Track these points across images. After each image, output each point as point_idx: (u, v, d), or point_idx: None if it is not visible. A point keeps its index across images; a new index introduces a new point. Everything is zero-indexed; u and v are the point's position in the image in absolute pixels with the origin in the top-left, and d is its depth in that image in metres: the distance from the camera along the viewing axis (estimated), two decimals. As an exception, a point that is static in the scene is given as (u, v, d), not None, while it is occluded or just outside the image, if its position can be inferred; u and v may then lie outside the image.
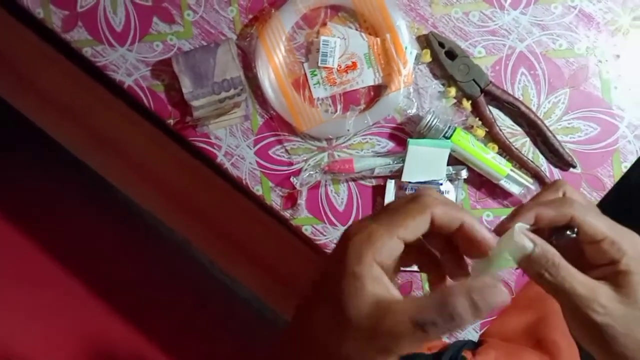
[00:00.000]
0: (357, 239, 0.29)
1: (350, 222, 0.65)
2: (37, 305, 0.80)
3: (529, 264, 0.32)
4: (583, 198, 0.36)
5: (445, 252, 0.35)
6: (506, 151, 0.62)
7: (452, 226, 0.31)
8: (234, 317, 1.21)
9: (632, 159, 0.63)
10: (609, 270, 0.33)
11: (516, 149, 0.62)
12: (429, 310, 0.27)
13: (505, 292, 0.28)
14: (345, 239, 0.30)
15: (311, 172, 0.64)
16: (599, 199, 0.64)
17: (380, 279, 0.29)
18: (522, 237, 0.32)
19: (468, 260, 0.35)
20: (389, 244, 0.29)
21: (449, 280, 0.35)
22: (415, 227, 0.30)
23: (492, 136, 0.62)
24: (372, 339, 0.28)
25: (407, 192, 0.63)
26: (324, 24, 0.63)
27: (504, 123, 0.63)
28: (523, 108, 0.62)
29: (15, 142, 1.11)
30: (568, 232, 0.34)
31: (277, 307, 1.16)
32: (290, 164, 0.65)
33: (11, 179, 1.02)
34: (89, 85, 1.11)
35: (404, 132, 0.64)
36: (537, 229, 0.35)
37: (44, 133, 1.11)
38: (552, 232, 0.35)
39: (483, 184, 0.64)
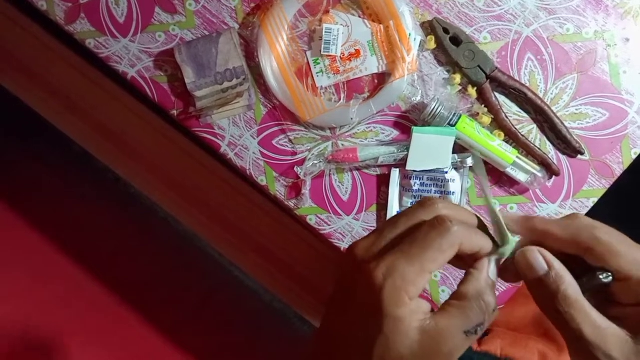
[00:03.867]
0: (390, 284, 0.29)
1: (354, 212, 0.65)
2: (45, 298, 0.81)
3: (538, 288, 0.30)
4: (614, 230, 0.31)
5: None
6: (513, 138, 0.61)
7: (474, 253, 0.31)
8: (243, 308, 1.22)
9: (643, 145, 0.62)
10: (635, 313, 0.29)
11: (523, 136, 0.61)
12: (476, 318, 0.29)
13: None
14: (367, 274, 0.29)
15: (315, 162, 0.64)
16: (608, 187, 0.62)
17: (418, 309, 0.29)
18: (537, 255, 0.30)
19: None
20: (422, 284, 0.29)
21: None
22: (445, 261, 0.30)
23: (498, 123, 0.61)
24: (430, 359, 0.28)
25: (411, 181, 0.62)
26: (327, 12, 0.63)
27: (511, 110, 0.62)
28: (530, 94, 0.61)
29: (24, 133, 1.12)
30: (599, 274, 0.30)
31: (285, 298, 1.16)
32: (294, 153, 0.65)
33: (19, 170, 1.03)
34: (94, 78, 1.11)
35: (409, 120, 0.63)
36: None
37: (52, 125, 1.11)
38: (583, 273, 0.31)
39: (489, 172, 0.63)
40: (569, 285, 0.29)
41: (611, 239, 0.29)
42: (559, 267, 0.29)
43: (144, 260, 1.07)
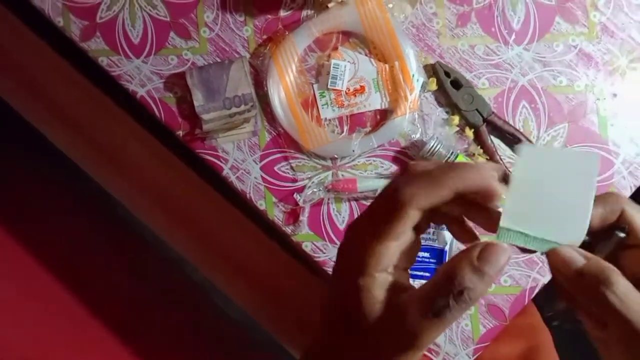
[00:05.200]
0: (353, 254, 0.29)
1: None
2: (26, 312, 0.79)
3: (579, 283, 0.27)
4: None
5: (452, 223, 0.32)
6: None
7: (439, 206, 0.29)
8: (224, 338, 1.21)
9: (627, 195, 0.65)
10: None
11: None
12: (437, 295, 0.26)
13: (507, 248, 0.27)
14: (341, 255, 0.31)
15: (315, 190, 0.65)
16: (594, 232, 0.65)
17: (387, 284, 0.28)
18: (571, 250, 0.28)
19: None
20: (385, 253, 0.28)
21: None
22: (401, 229, 0.28)
23: (493, 165, 0.64)
24: (395, 341, 0.27)
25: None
26: (336, 48, 0.66)
27: (505, 153, 0.65)
28: (523, 139, 0.64)
29: (18, 146, 1.12)
30: (617, 232, 0.29)
31: (270, 328, 1.15)
32: (295, 180, 0.67)
33: (11, 183, 1.02)
34: (97, 98, 1.12)
35: (407, 156, 0.66)
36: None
37: (46, 140, 1.11)
38: (595, 240, 0.30)
39: (482, 210, 0.65)
40: (613, 269, 0.27)
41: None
42: (592, 255, 0.28)
43: (127, 282, 1.06)
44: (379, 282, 0.28)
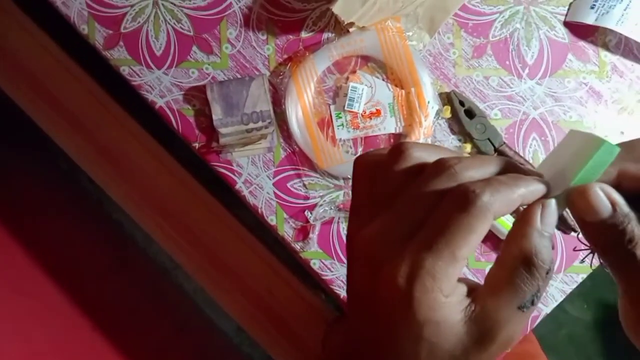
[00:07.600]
0: (419, 288, 0.23)
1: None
2: (19, 313, 0.79)
3: (598, 232, 0.25)
4: None
5: None
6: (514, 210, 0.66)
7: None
8: (211, 347, 1.20)
9: (630, 230, 0.66)
10: None
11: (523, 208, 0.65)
12: (530, 287, 0.24)
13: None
14: (386, 281, 0.24)
15: (326, 208, 0.66)
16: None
17: (457, 300, 0.24)
18: (600, 194, 0.24)
19: None
20: (457, 272, 0.24)
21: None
22: (479, 239, 0.24)
23: (501, 194, 0.66)
24: (487, 349, 0.24)
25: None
26: (354, 72, 0.68)
27: (513, 183, 0.67)
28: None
29: (15, 142, 1.12)
30: None
31: (261, 340, 1.15)
32: (307, 198, 0.68)
33: (7, 180, 1.02)
34: (103, 100, 1.13)
35: (418, 181, 0.67)
36: None
37: (42, 139, 1.11)
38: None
39: (488, 237, 0.67)
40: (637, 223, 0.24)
41: None
42: (623, 204, 0.24)
43: (118, 286, 1.06)
44: (451, 305, 0.24)
